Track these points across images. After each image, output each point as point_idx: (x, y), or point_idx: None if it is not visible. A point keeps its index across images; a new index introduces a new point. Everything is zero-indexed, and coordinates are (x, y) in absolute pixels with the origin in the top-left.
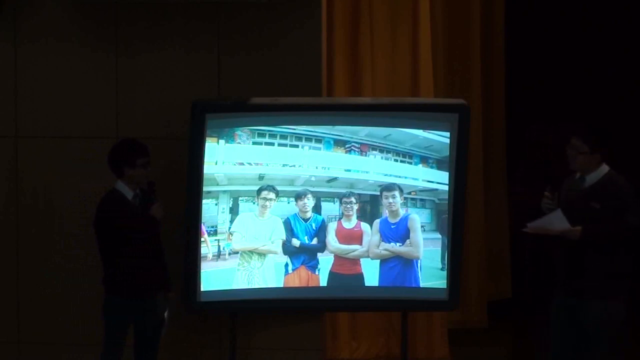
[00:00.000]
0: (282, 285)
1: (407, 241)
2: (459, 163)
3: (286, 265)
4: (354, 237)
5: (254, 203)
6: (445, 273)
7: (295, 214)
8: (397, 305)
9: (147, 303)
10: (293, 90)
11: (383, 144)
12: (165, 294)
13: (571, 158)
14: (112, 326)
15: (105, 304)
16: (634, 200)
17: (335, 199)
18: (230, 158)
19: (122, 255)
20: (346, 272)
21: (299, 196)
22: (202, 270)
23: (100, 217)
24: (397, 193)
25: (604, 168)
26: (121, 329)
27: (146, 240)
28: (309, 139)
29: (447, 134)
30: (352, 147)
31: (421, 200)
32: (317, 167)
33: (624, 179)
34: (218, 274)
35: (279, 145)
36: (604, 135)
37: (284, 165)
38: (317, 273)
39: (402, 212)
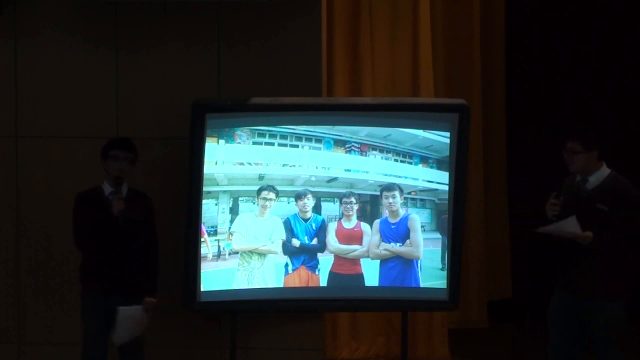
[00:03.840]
0: (282, 285)
1: (407, 241)
2: (459, 163)
3: (286, 265)
4: (354, 237)
5: (254, 203)
6: (445, 273)
7: (295, 214)
8: (397, 305)
9: (106, 303)
10: (293, 90)
11: (383, 144)
12: (139, 298)
13: (569, 161)
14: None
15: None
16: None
17: (335, 199)
18: (230, 158)
19: (86, 250)
20: (346, 272)
21: (299, 196)
22: (202, 270)
23: (74, 210)
24: (397, 193)
25: (606, 169)
26: (85, 322)
27: (111, 239)
28: (309, 139)
29: (447, 134)
30: (352, 147)
31: (421, 200)
32: (317, 167)
33: (628, 181)
34: (218, 274)
35: (279, 145)
36: (596, 133)
37: (284, 165)
38: (317, 273)
39: (402, 212)
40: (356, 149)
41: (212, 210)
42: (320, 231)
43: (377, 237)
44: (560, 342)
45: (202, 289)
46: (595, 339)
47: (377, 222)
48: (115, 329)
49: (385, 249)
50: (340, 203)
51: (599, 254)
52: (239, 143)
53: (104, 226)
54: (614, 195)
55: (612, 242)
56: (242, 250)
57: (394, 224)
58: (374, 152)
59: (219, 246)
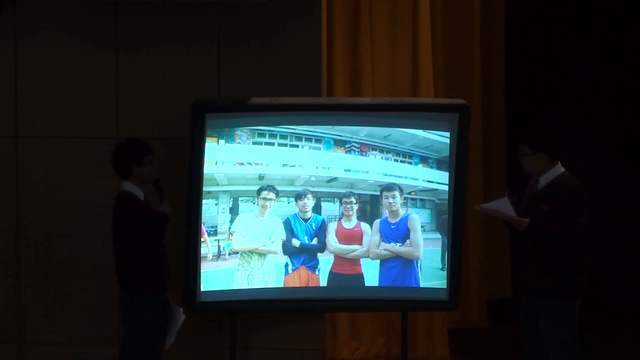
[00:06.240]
0: (282, 285)
1: (407, 241)
2: (459, 163)
3: (286, 265)
4: (354, 237)
5: (254, 203)
6: (445, 273)
7: (295, 214)
8: (397, 305)
9: (167, 300)
10: (293, 90)
11: (383, 144)
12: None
13: (521, 162)
14: (136, 326)
15: (130, 304)
16: (580, 203)
17: (335, 199)
18: (230, 158)
19: (145, 255)
20: (346, 272)
21: (299, 196)
22: (202, 270)
23: (122, 220)
24: (397, 193)
25: (557, 170)
26: (146, 327)
27: (160, 239)
28: (309, 139)
29: (447, 134)
30: (352, 147)
31: (421, 200)
32: (317, 167)
33: (575, 181)
34: (218, 274)
35: (279, 145)
36: (547, 135)
37: (284, 165)
38: (317, 273)
39: (402, 212)
40: (356, 149)
41: (212, 210)
42: (320, 231)
43: (377, 237)
44: (531, 345)
45: (202, 289)
46: (547, 340)
47: (377, 222)
48: (171, 331)
49: (385, 249)
50: (340, 203)
51: (550, 254)
52: (239, 143)
53: (153, 229)
54: (557, 195)
55: (547, 234)
56: (242, 250)
57: (394, 224)
58: (374, 152)
59: (219, 246)
